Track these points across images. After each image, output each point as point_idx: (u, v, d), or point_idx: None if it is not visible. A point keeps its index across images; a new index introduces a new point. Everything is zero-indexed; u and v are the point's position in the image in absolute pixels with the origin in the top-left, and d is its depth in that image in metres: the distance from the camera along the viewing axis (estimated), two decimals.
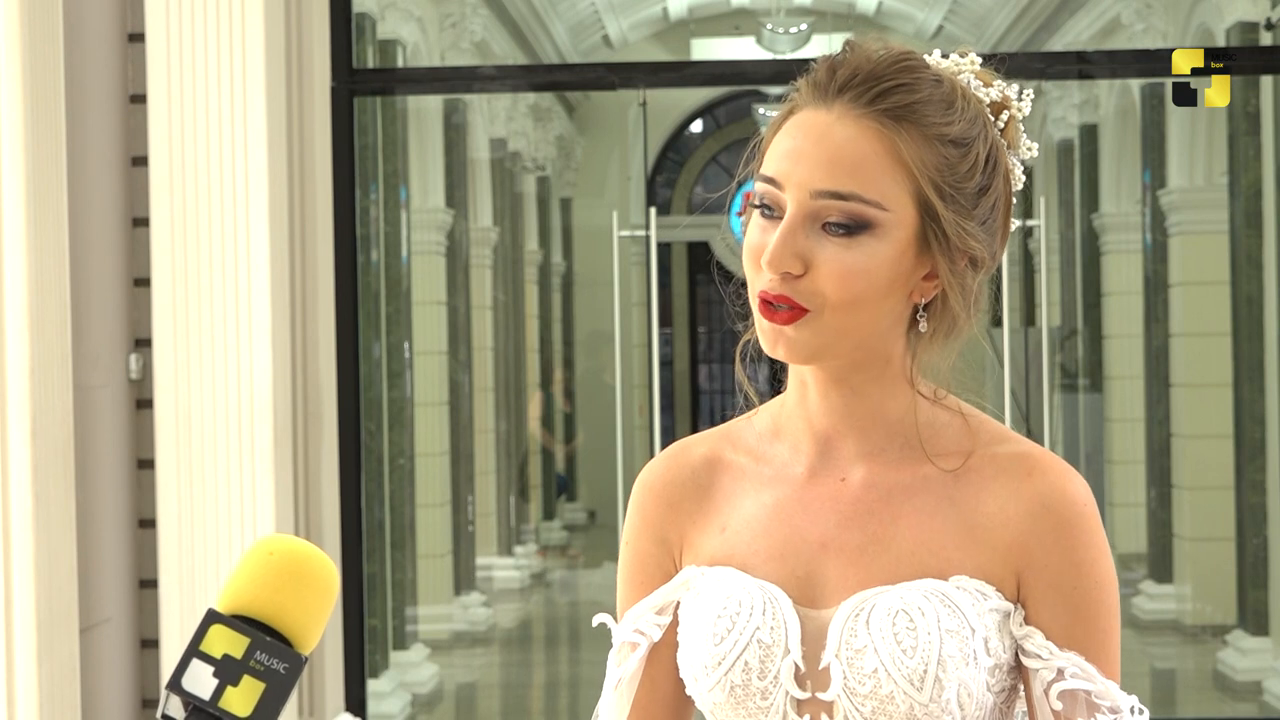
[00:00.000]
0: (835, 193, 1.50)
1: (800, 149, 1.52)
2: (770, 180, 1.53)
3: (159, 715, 1.24)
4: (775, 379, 1.65)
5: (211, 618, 1.26)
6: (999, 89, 1.59)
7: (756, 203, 1.55)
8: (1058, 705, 1.51)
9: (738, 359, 1.63)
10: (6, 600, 4.12)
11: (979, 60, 1.59)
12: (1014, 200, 1.60)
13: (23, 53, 4.12)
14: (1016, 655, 1.54)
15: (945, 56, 1.59)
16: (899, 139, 1.51)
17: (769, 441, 1.62)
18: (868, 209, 1.50)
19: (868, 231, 1.51)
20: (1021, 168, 1.60)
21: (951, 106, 1.54)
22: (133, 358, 4.89)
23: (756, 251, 1.53)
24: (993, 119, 1.58)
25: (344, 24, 5.52)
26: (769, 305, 1.52)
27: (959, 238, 1.53)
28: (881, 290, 1.52)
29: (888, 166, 1.51)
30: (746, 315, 1.59)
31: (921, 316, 1.56)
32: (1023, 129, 1.60)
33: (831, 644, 1.52)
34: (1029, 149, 1.60)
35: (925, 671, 1.49)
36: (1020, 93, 1.60)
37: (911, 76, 1.53)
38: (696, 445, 1.67)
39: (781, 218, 1.52)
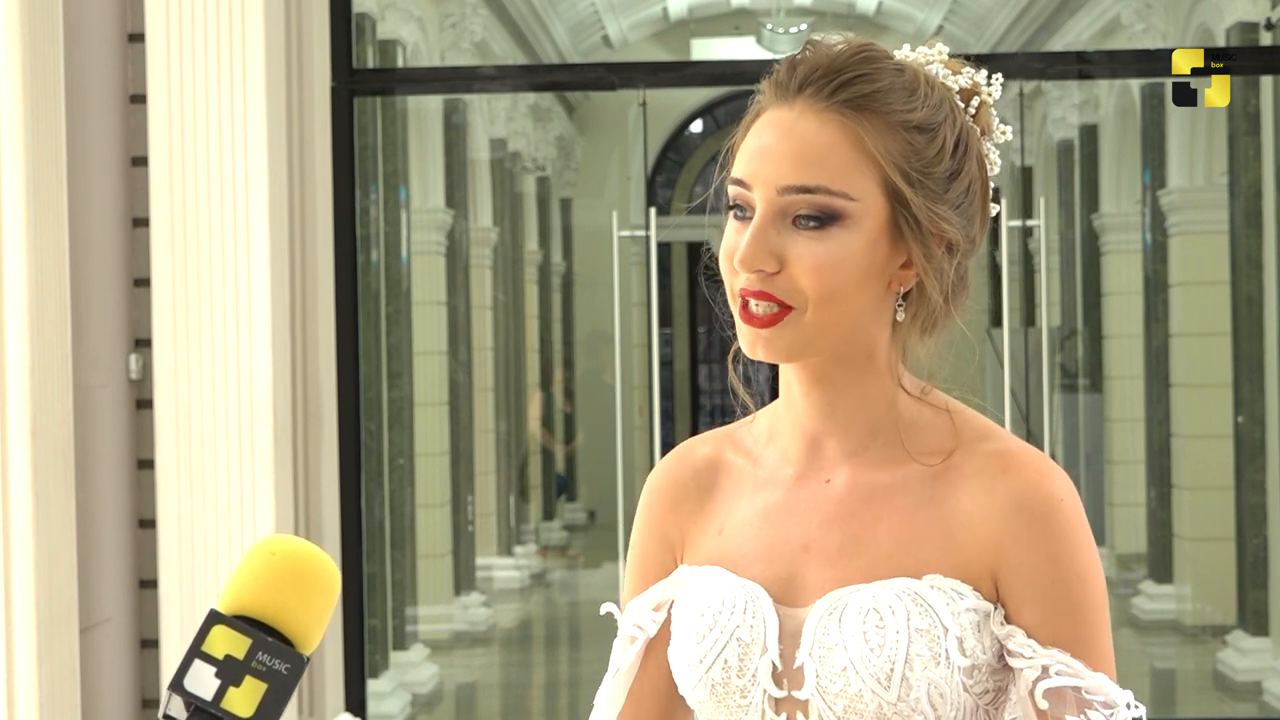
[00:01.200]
0: (801, 186, 1.51)
1: (765, 147, 1.53)
2: (739, 182, 1.54)
3: (161, 715, 1.24)
4: (776, 381, 1.66)
5: (213, 618, 1.26)
6: (968, 76, 1.59)
7: (730, 204, 1.56)
8: (1043, 704, 1.49)
9: (731, 365, 1.63)
10: (6, 600, 4.12)
11: (946, 50, 1.59)
12: (991, 185, 1.60)
13: (23, 53, 4.12)
14: (1002, 656, 1.53)
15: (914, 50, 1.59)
16: (861, 129, 1.51)
17: (764, 444, 1.63)
18: (834, 200, 1.51)
19: (838, 223, 1.51)
20: (997, 152, 1.60)
21: (914, 93, 1.54)
22: (133, 358, 4.89)
23: (731, 252, 1.54)
24: (963, 106, 1.57)
25: (344, 24, 5.52)
26: (747, 308, 1.53)
27: (931, 222, 1.53)
28: (857, 281, 1.52)
29: (852, 157, 1.51)
30: (734, 325, 1.59)
31: (900, 306, 1.56)
32: (995, 113, 1.60)
33: (805, 642, 1.52)
34: (1003, 133, 1.60)
35: (892, 670, 1.48)
36: (989, 77, 1.60)
37: (871, 66, 1.53)
38: (701, 446, 1.68)
39: (753, 218, 1.53)
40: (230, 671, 1.24)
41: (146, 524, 4.91)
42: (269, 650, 1.25)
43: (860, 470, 1.57)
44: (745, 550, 1.59)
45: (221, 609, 1.27)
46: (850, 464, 1.58)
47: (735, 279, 1.54)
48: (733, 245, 1.54)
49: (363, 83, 5.96)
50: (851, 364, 1.57)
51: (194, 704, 1.24)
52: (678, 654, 1.58)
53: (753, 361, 1.62)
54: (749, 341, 1.54)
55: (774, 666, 1.53)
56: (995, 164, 1.60)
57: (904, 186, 1.52)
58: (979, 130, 1.59)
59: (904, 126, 1.52)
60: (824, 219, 1.51)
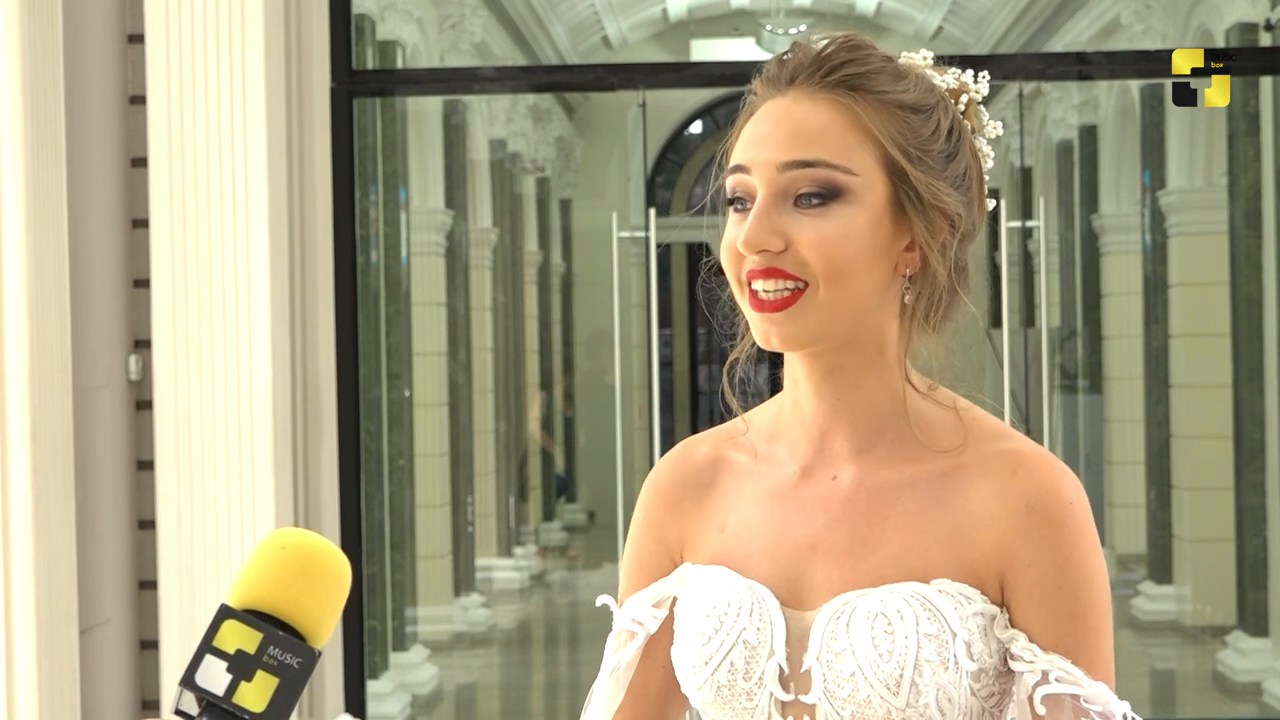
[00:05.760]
0: (802, 161, 1.51)
1: (763, 133, 1.53)
2: (739, 168, 1.54)
3: (173, 711, 1.23)
4: (775, 384, 1.64)
5: (224, 613, 1.25)
6: (954, 76, 1.60)
7: (729, 197, 1.55)
8: (1041, 710, 1.48)
9: (725, 381, 1.62)
10: (6, 600, 4.12)
11: (931, 56, 1.60)
12: (986, 177, 1.60)
13: (23, 53, 4.12)
14: (1005, 660, 1.52)
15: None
16: (857, 107, 1.52)
17: (768, 441, 1.62)
18: (836, 174, 1.51)
19: (840, 199, 1.51)
20: (990, 147, 1.61)
21: (904, 77, 1.55)
22: (132, 359, 4.89)
23: (732, 243, 1.53)
24: (953, 102, 1.58)
25: (344, 25, 5.52)
26: (757, 295, 1.52)
27: (932, 195, 1.53)
28: (864, 259, 1.51)
29: (851, 134, 1.52)
30: (733, 335, 1.59)
31: (907, 289, 1.55)
32: (983, 109, 1.61)
33: (813, 646, 1.51)
34: (995, 127, 1.61)
35: (901, 676, 1.47)
36: (976, 76, 1.61)
37: (859, 53, 1.55)
38: (701, 444, 1.66)
39: (754, 205, 1.53)
40: (242, 666, 1.23)
41: (146, 525, 4.91)
42: (280, 644, 1.24)
43: (867, 468, 1.56)
44: (750, 549, 1.57)
45: (232, 603, 1.26)
46: (857, 461, 1.56)
47: (741, 266, 1.53)
48: (734, 236, 1.53)
49: (362, 84, 5.96)
50: (860, 355, 1.55)
51: (206, 699, 1.23)
52: (682, 654, 1.57)
53: (750, 368, 1.61)
54: (761, 329, 1.52)
55: (781, 670, 1.52)
56: (988, 157, 1.60)
57: (903, 162, 1.52)
58: (970, 127, 1.59)
59: (898, 106, 1.53)
60: (826, 195, 1.51)
